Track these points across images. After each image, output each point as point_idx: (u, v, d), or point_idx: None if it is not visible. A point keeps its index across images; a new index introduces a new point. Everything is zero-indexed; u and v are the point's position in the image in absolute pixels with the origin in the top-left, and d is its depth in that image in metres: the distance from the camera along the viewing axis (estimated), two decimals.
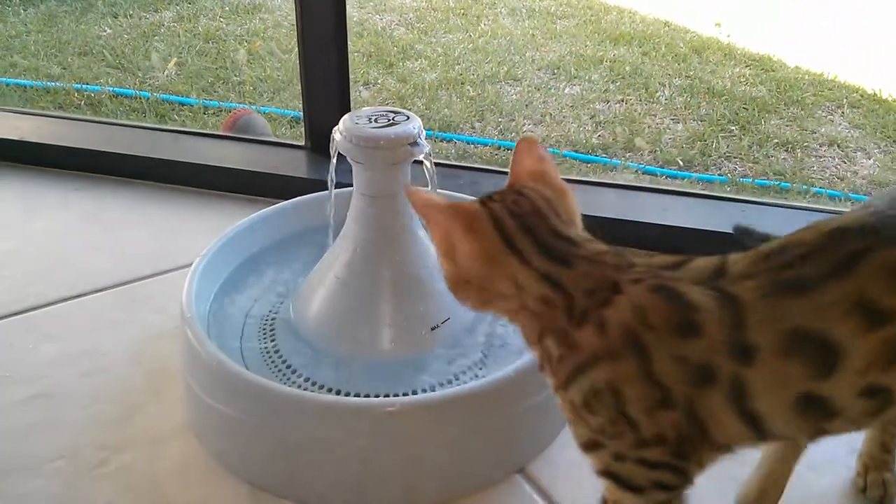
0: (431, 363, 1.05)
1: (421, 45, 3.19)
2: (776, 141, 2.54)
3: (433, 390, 1.01)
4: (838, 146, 2.55)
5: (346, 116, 1.01)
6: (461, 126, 2.59)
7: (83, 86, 2.69)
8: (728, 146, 2.49)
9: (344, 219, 1.09)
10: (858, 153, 2.52)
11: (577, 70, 2.98)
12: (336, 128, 1.01)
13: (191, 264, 1.34)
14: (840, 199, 2.25)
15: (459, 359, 1.06)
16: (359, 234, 1.05)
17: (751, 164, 2.42)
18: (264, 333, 1.12)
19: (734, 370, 0.62)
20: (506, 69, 2.96)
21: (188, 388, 1.02)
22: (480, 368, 1.05)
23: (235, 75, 2.85)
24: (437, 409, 0.91)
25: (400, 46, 3.16)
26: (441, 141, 2.48)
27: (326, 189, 1.25)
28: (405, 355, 1.06)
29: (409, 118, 1.01)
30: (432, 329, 1.06)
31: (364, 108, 1.03)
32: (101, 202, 1.56)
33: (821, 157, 2.50)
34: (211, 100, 2.66)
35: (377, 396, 1.00)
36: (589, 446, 0.68)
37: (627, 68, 2.99)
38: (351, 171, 1.03)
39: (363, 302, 1.06)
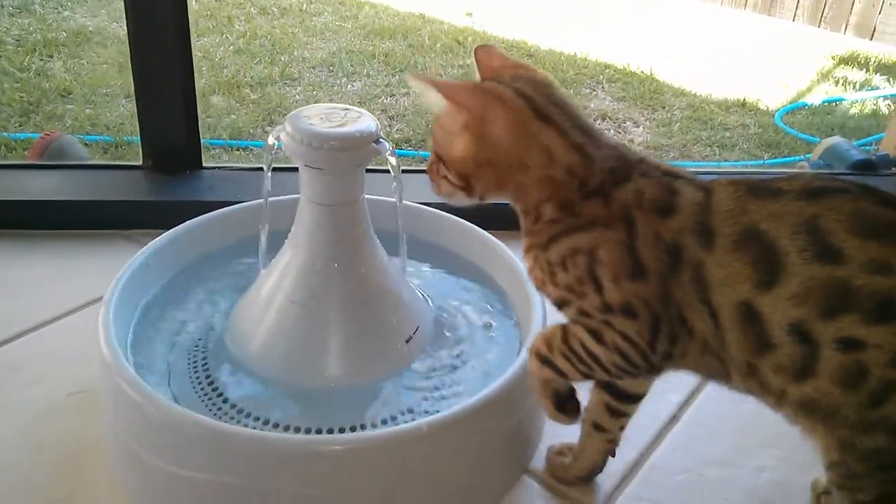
0: (412, 379, 0.96)
1: None
2: None
3: (428, 406, 0.92)
4: (609, 118, 2.75)
5: (290, 116, 0.88)
6: (252, 131, 2.43)
7: None
8: None
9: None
10: (628, 123, 2.74)
11: (352, 66, 2.92)
12: (277, 129, 0.88)
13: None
14: None
15: (438, 369, 0.98)
16: (315, 250, 0.93)
17: None
18: (197, 375, 0.95)
19: (696, 254, 0.67)
20: (279, 69, 2.83)
21: (140, 463, 0.84)
22: (456, 373, 0.98)
23: None
24: (463, 424, 0.83)
25: None
26: (237, 150, 2.31)
27: (176, 212, 1.11)
28: (384, 375, 0.95)
29: (361, 114, 0.90)
30: (406, 341, 0.97)
31: (311, 106, 0.90)
32: None
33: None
34: None
35: (374, 426, 0.89)
36: (559, 303, 0.75)
37: (400, 62, 2.99)
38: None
39: (331, 325, 0.94)
